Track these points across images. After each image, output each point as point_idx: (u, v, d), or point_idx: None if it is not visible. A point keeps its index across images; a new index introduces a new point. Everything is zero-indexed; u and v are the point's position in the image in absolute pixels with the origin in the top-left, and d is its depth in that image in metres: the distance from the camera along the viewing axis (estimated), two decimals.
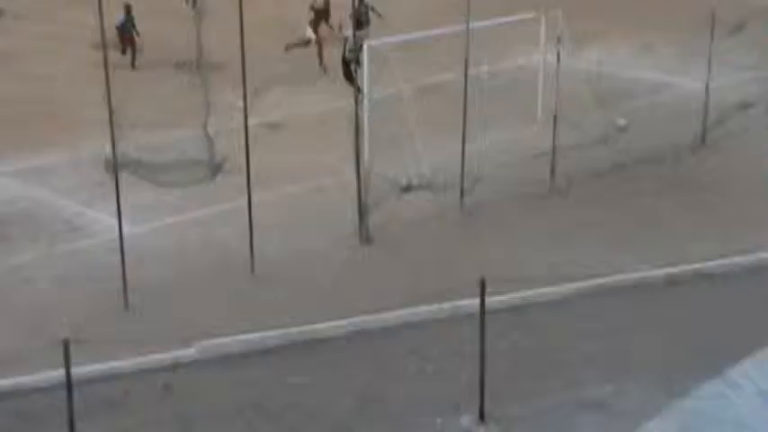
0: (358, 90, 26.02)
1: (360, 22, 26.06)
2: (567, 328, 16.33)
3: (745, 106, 23.90)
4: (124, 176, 17.05)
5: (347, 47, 27.07)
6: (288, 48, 29.79)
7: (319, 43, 29.41)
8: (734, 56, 25.89)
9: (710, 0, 22.62)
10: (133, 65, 30.10)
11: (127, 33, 30.41)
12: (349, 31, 27.15)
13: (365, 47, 21.14)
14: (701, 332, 16.13)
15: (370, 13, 28.82)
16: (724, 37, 23.73)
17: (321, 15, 29.93)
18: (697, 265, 17.95)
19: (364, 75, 20.52)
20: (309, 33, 29.71)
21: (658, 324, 16.37)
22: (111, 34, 18.19)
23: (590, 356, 15.46)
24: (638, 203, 20.51)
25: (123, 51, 30.16)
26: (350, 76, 26.89)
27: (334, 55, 28.47)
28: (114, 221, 17.13)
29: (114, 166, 16.65)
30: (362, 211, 18.98)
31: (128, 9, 30.45)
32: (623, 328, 16.26)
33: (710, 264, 18.01)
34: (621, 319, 16.54)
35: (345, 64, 27.26)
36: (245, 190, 17.74)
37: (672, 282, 17.61)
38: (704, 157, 22.74)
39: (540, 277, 17.25)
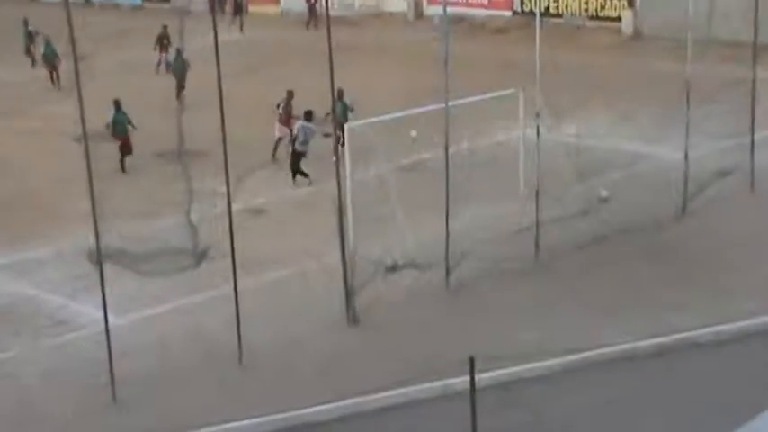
0: (305, 176, 26.00)
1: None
2: (556, 403, 16.26)
3: (723, 174, 24.07)
4: (108, 267, 17.00)
5: (298, 140, 26.87)
6: (274, 156, 29.35)
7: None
8: (710, 124, 26.12)
9: (685, 70, 22.89)
10: (123, 168, 28.33)
11: (120, 134, 28.50)
12: (300, 123, 27.12)
13: (346, 129, 21.27)
14: (691, 402, 16.08)
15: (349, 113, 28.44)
16: (700, 106, 24.00)
17: (288, 111, 29.37)
18: (684, 335, 17.94)
19: (346, 156, 20.61)
20: (277, 131, 29.27)
21: (648, 395, 16.32)
22: (93, 126, 18.06)
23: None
24: (622, 274, 20.53)
25: (123, 155, 28.36)
26: (297, 168, 26.78)
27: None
28: (98, 313, 17.06)
29: (98, 258, 16.62)
30: (348, 294, 18.96)
31: (117, 105, 28.77)
32: (613, 401, 16.20)
33: (698, 332, 18.00)
34: (611, 391, 16.48)
35: (295, 156, 27.02)
36: (230, 277, 17.68)
37: (660, 352, 17.58)
38: (686, 226, 22.83)
39: (528, 352, 17.20)
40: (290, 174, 26.97)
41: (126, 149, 28.64)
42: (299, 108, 28.45)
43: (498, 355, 16.43)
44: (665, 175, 24.79)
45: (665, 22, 38.62)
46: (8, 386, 17.24)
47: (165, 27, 40.61)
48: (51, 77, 39.45)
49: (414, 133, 24.57)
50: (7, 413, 16.47)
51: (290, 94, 29.34)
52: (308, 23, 49.19)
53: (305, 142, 26.80)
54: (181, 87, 35.19)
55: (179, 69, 35.66)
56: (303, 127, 26.89)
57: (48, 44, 39.73)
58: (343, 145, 20.97)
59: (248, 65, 38.49)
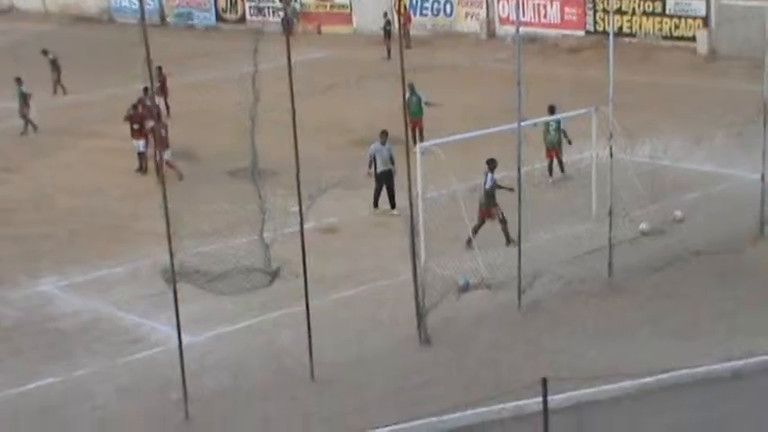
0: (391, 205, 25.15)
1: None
2: (630, 426, 16.07)
3: None
4: (182, 286, 17.14)
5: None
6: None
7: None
8: None
9: (761, 89, 22.57)
10: None
11: None
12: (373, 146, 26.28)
13: (418, 148, 21.26)
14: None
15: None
16: None
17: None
18: (761, 358, 17.63)
19: (418, 175, 20.60)
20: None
21: (725, 420, 16.06)
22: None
23: None
24: (698, 296, 20.26)
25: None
26: (377, 195, 25.79)
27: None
28: (172, 331, 17.21)
29: (172, 277, 16.77)
30: (420, 313, 18.92)
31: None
32: (689, 426, 15.97)
33: None
34: (687, 415, 16.25)
35: (377, 182, 25.85)
36: (303, 295, 17.75)
37: (736, 375, 17.30)
38: (763, 247, 22.47)
39: (602, 374, 17.02)
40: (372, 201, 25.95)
41: None
42: (373, 129, 28.32)
43: (571, 376, 16.30)
44: (742, 196, 24.47)
45: (740, 41, 38.31)
46: (84, 403, 17.42)
47: (159, 68, 33.16)
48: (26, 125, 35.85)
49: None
50: (83, 431, 16.65)
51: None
52: (389, 51, 46.34)
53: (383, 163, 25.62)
54: None
55: None
56: (377, 149, 25.78)
57: (21, 89, 35.85)
58: None
59: (322, 84, 38.67)
